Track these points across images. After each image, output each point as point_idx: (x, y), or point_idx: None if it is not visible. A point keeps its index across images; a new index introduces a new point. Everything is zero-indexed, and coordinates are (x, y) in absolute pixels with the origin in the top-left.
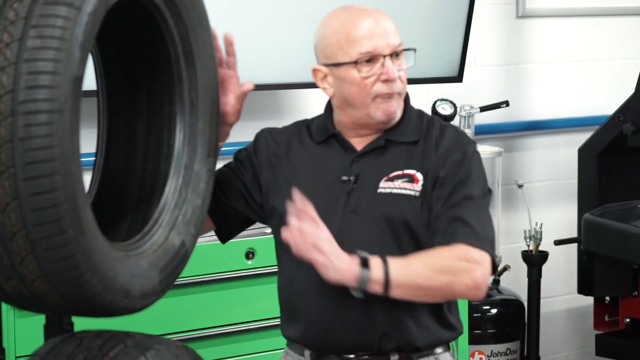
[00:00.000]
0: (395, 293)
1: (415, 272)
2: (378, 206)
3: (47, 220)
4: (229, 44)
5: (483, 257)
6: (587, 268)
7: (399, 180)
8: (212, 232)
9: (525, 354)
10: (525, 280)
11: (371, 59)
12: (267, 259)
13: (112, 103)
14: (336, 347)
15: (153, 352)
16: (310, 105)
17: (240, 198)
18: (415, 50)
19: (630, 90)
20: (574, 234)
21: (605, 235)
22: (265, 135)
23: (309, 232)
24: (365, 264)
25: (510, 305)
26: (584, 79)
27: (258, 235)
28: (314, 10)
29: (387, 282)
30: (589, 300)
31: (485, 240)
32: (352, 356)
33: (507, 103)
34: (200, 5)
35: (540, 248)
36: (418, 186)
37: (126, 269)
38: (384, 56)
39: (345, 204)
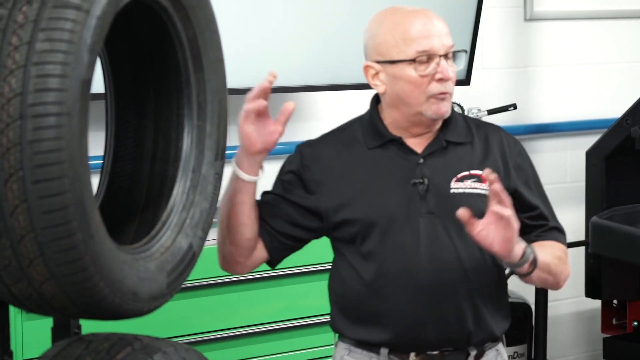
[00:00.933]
0: (534, 274)
1: (548, 258)
2: (453, 206)
3: (55, 223)
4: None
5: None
6: (595, 271)
7: (469, 181)
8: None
9: (533, 357)
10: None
11: (428, 58)
12: None
13: (120, 106)
14: (423, 345)
15: (161, 355)
16: (317, 108)
17: (293, 222)
18: (466, 51)
19: (638, 93)
20: (582, 237)
21: (612, 239)
22: (307, 150)
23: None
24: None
25: (518, 309)
26: (592, 82)
27: None
28: (320, 14)
29: (535, 262)
30: (597, 304)
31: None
32: (435, 352)
33: (514, 106)
34: (209, 8)
35: None
36: (487, 185)
37: (134, 272)
38: (440, 56)
39: (421, 206)
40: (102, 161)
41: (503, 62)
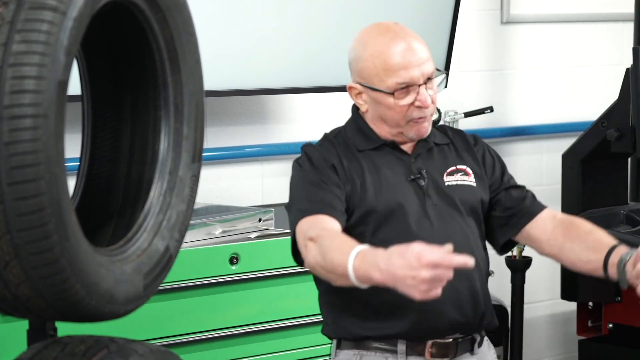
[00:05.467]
0: None
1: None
2: (451, 197)
3: (31, 225)
4: None
5: None
6: (571, 274)
7: (458, 174)
8: (195, 237)
9: (509, 359)
10: (509, 285)
11: (407, 87)
12: (251, 264)
13: (96, 108)
14: (439, 331)
15: (137, 357)
16: (294, 110)
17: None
18: (446, 74)
19: (614, 96)
20: None
21: None
22: (314, 152)
23: None
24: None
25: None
26: (568, 85)
27: (242, 241)
28: (299, 15)
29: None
30: (572, 306)
31: None
32: (449, 340)
33: (491, 109)
34: (186, 10)
35: (524, 254)
36: (472, 178)
37: (110, 274)
38: (419, 85)
39: (427, 198)
40: (78, 163)
41: (480, 65)
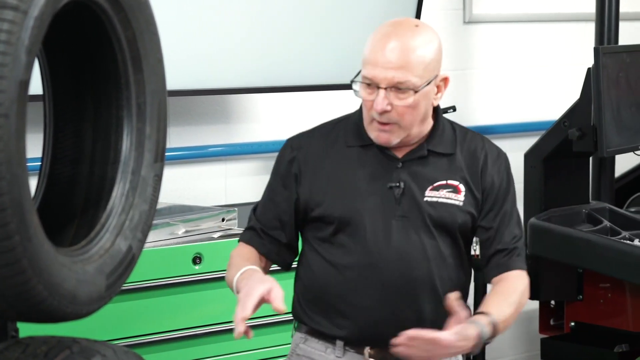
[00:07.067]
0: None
1: (508, 310)
2: (424, 213)
3: None
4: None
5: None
6: (533, 272)
7: (444, 190)
8: (158, 237)
9: (472, 358)
10: (472, 284)
11: (369, 84)
12: (214, 264)
13: (58, 108)
14: (378, 341)
15: (99, 358)
16: (257, 109)
17: (293, 213)
18: (416, 92)
19: (576, 95)
20: None
21: (550, 240)
22: (294, 143)
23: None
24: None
25: None
26: (530, 85)
27: (205, 241)
28: (262, 15)
29: (494, 332)
30: (535, 305)
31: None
32: (390, 347)
33: (454, 108)
34: (148, 9)
35: None
36: (461, 196)
37: (73, 275)
38: (379, 87)
39: (396, 209)
40: (40, 163)
41: (443, 65)
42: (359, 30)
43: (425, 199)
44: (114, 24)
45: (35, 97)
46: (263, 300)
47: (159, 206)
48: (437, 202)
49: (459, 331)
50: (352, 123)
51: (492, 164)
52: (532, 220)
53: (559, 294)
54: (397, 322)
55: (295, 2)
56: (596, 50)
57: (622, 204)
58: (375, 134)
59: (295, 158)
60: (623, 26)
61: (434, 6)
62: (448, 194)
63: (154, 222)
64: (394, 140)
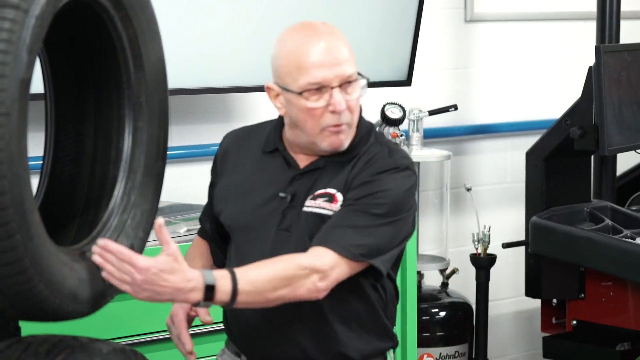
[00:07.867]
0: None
1: (260, 274)
2: (303, 225)
3: None
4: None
5: (334, 264)
6: (535, 271)
7: (320, 199)
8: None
9: (474, 356)
10: (474, 283)
11: (319, 89)
12: None
13: (60, 106)
14: (264, 356)
15: (101, 356)
16: (258, 108)
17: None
18: (368, 79)
19: (577, 94)
20: (522, 237)
21: (552, 238)
22: (227, 139)
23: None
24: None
25: (459, 308)
26: (532, 83)
27: None
28: (262, 14)
29: (234, 289)
30: (537, 303)
31: (350, 247)
32: None
33: (455, 107)
34: (149, 8)
35: (489, 251)
36: (336, 206)
37: (74, 273)
38: (332, 87)
39: (280, 222)
40: (42, 162)
41: (444, 63)
42: (359, 30)
43: (304, 209)
44: (115, 22)
45: (36, 96)
46: (192, 318)
47: (160, 205)
48: (311, 212)
49: (166, 261)
50: (272, 127)
51: (365, 168)
52: (534, 218)
53: (561, 293)
54: (272, 339)
55: (296, 2)
56: (597, 48)
57: (624, 203)
58: (329, 140)
59: (218, 158)
60: (624, 25)
61: (435, 5)
62: (323, 204)
63: None
64: (346, 142)
